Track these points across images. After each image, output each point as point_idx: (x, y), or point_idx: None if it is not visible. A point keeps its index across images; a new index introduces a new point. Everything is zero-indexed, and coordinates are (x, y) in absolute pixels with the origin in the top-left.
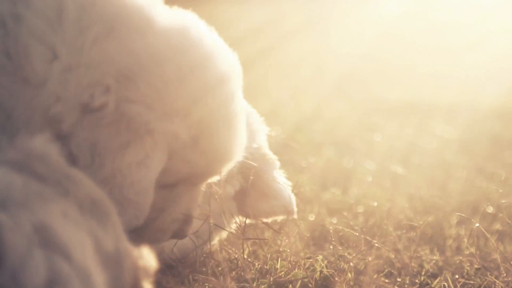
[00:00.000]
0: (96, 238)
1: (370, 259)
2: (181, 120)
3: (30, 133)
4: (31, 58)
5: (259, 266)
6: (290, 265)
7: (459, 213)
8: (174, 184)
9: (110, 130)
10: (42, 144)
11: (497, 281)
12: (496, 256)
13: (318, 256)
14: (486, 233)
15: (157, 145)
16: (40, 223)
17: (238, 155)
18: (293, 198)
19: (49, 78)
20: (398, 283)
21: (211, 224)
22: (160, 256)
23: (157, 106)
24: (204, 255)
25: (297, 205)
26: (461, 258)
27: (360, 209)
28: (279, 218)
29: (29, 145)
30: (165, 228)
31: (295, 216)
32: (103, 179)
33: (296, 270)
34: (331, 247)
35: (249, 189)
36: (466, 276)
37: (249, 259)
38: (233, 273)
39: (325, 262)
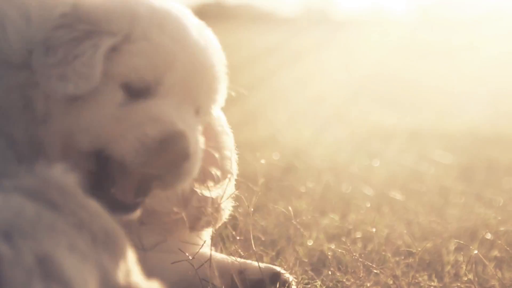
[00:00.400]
0: (105, 271)
1: (368, 285)
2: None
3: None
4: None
5: None
6: None
7: (457, 240)
8: (141, 92)
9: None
10: (61, 173)
11: None
12: (495, 282)
13: (316, 281)
14: (484, 259)
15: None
16: (43, 255)
17: (187, 64)
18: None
19: None
20: None
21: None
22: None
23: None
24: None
25: (296, 231)
26: (459, 284)
27: (359, 234)
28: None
29: (47, 173)
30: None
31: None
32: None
33: None
34: (330, 272)
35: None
36: None
37: None
38: None
39: (324, 287)
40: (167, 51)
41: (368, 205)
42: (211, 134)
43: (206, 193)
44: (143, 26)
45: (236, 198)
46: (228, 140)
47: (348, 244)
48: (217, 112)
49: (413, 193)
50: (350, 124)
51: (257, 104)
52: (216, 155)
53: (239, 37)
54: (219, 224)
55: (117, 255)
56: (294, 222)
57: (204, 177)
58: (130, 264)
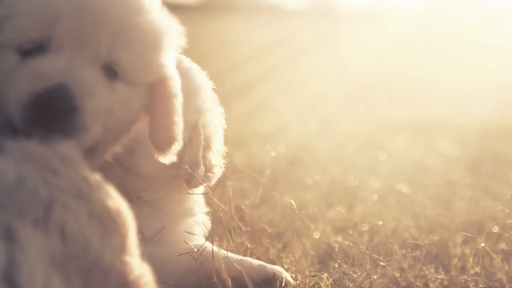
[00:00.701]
0: (85, 246)
1: (375, 277)
2: None
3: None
4: None
5: None
6: (295, 283)
7: (464, 233)
8: (33, 51)
9: None
10: (67, 147)
11: None
12: (502, 275)
13: (323, 274)
14: (491, 252)
15: None
16: (6, 226)
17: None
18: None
19: None
20: None
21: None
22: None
23: None
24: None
25: (302, 223)
26: (466, 277)
27: (365, 227)
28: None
29: (53, 145)
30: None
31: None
32: None
33: None
34: (336, 265)
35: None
36: None
37: None
38: None
39: (330, 280)
40: (50, 6)
41: (375, 197)
42: (161, 96)
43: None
44: None
45: (243, 190)
46: (177, 103)
47: (355, 237)
48: (171, 73)
49: (420, 186)
50: (357, 117)
51: (263, 97)
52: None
53: (246, 29)
54: (214, 181)
55: (110, 232)
56: (301, 215)
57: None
58: (127, 244)
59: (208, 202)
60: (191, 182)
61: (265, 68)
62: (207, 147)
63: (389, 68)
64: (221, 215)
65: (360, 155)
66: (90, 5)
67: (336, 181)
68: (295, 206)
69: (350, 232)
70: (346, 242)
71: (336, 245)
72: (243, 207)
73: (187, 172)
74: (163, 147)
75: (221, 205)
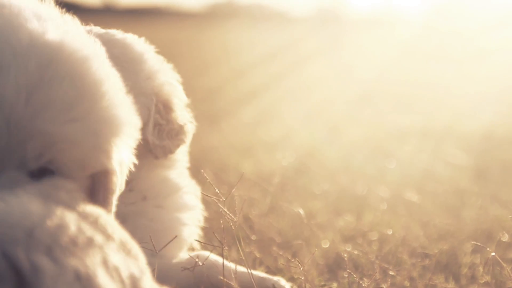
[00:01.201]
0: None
1: (384, 287)
2: None
3: None
4: None
5: None
6: None
7: (474, 242)
8: None
9: None
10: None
11: None
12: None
13: (332, 283)
14: (501, 261)
15: None
16: (83, 272)
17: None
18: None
19: None
20: None
21: (225, 250)
22: None
23: None
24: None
25: (311, 232)
26: (476, 286)
27: (374, 236)
28: None
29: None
30: None
31: None
32: None
33: None
34: (346, 274)
35: None
36: None
37: None
38: None
39: None
40: None
41: (384, 206)
42: (100, 189)
43: None
44: None
45: (250, 199)
46: (114, 199)
47: (364, 246)
48: (114, 169)
49: (428, 194)
50: (364, 124)
51: (269, 104)
52: None
53: (251, 37)
54: (189, 138)
55: (139, 263)
56: (309, 224)
57: None
58: (143, 269)
59: (217, 212)
60: (156, 154)
61: (271, 75)
62: (169, 110)
63: (395, 75)
64: (231, 224)
65: (367, 162)
66: (21, 115)
67: (344, 189)
68: (303, 215)
69: (359, 241)
70: (356, 252)
71: (345, 254)
72: (251, 216)
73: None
74: None
75: (230, 215)
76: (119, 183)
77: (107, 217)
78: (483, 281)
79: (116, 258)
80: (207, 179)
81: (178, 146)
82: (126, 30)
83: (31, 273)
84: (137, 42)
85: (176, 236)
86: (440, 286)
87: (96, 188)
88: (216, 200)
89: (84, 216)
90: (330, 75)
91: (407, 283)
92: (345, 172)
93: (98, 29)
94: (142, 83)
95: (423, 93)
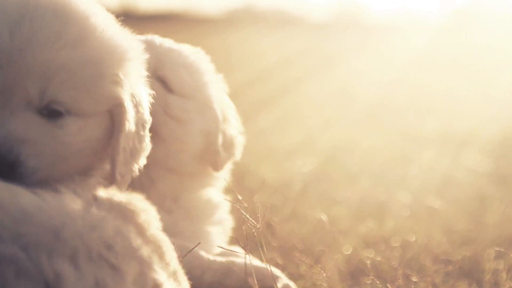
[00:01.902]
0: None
1: None
2: None
3: None
4: None
5: None
6: None
7: (497, 248)
8: None
9: None
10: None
11: None
12: None
13: None
14: None
15: None
16: (101, 281)
17: None
18: None
19: None
20: None
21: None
22: None
23: None
24: None
25: (333, 239)
26: None
27: (397, 242)
28: None
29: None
30: None
31: None
32: None
33: None
34: (369, 281)
35: None
36: None
37: None
38: None
39: None
40: None
41: (407, 213)
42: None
43: None
44: None
45: (272, 206)
46: (128, 137)
47: (387, 252)
48: (124, 101)
49: (450, 200)
50: (384, 130)
51: (288, 109)
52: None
53: (270, 42)
54: (239, 151)
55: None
56: (331, 230)
57: None
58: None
59: (240, 218)
60: (217, 164)
61: (290, 80)
62: (225, 120)
63: (415, 79)
64: (253, 230)
65: (388, 168)
66: (9, 52)
67: (366, 195)
68: (326, 221)
69: (381, 247)
70: (378, 258)
71: (368, 261)
72: (272, 223)
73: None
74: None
75: (253, 221)
76: (132, 121)
77: (161, 233)
78: (506, 287)
79: (157, 275)
80: (229, 185)
81: (228, 160)
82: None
83: (53, 280)
84: (193, 52)
85: (199, 243)
86: None
87: (116, 125)
88: (238, 207)
89: (131, 222)
90: (350, 80)
91: None
92: (366, 178)
93: (155, 38)
94: (207, 94)
95: (444, 98)
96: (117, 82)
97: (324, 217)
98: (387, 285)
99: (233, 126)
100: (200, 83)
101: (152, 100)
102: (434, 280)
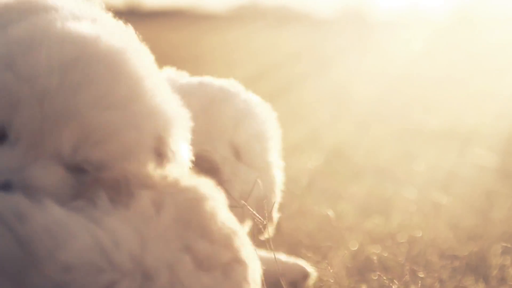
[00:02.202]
0: None
1: None
2: None
3: None
4: None
5: None
6: None
7: (503, 243)
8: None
9: None
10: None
11: None
12: None
13: (362, 285)
14: None
15: None
16: None
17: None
18: None
19: None
20: None
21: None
22: None
23: None
24: None
25: (340, 234)
26: None
27: (403, 238)
28: None
29: None
30: None
31: None
32: None
33: None
34: (374, 277)
35: None
36: None
37: None
38: None
39: None
40: (10, 90)
41: (414, 209)
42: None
43: None
44: None
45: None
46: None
47: (393, 248)
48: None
49: (456, 195)
50: (390, 125)
51: (294, 105)
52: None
53: (275, 38)
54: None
55: None
56: (337, 226)
57: None
58: None
59: (247, 214)
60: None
61: (296, 76)
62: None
63: (421, 76)
64: (260, 227)
65: (394, 164)
66: (54, 95)
67: (372, 191)
68: (332, 217)
69: (388, 243)
70: (385, 254)
71: (374, 257)
72: (279, 219)
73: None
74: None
75: (259, 217)
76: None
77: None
78: None
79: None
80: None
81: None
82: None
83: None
84: (264, 110)
85: None
86: None
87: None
88: (244, 203)
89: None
90: (355, 76)
91: (437, 285)
92: (372, 174)
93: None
94: (269, 160)
95: (449, 94)
96: (157, 149)
97: (330, 213)
98: (394, 281)
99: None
100: (265, 150)
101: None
102: (441, 275)
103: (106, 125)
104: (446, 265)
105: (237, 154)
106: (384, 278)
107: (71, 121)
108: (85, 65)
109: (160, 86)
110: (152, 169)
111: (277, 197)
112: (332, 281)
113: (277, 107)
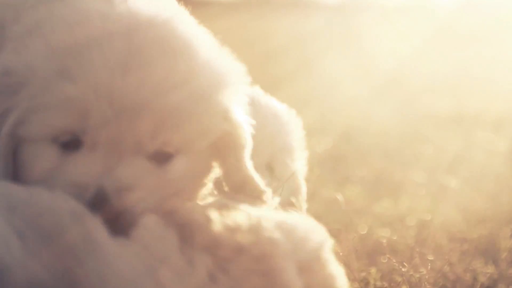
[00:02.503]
0: None
1: (424, 271)
2: None
3: None
4: None
5: None
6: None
7: None
8: (71, 143)
9: None
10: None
11: None
12: None
13: (371, 269)
14: None
15: None
16: None
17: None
18: None
19: None
20: None
21: None
22: None
23: None
24: None
25: (349, 217)
26: None
27: (412, 221)
28: None
29: None
30: None
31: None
32: None
33: (350, 283)
34: (384, 260)
35: None
36: None
37: None
38: None
39: (379, 275)
40: (77, 99)
41: (421, 191)
42: (229, 150)
43: None
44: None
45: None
46: (246, 154)
47: (403, 231)
48: (237, 124)
49: (465, 178)
50: (399, 108)
51: (302, 90)
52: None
53: (283, 22)
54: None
55: None
56: (346, 210)
57: None
58: None
59: None
60: None
61: (303, 60)
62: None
63: (429, 60)
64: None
65: (403, 148)
66: (121, 94)
67: (381, 174)
68: (341, 201)
69: (397, 227)
70: (394, 238)
71: (384, 240)
72: None
73: None
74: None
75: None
76: (239, 149)
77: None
78: None
79: None
80: None
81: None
82: None
83: None
84: (293, 122)
85: None
86: (479, 271)
87: (226, 151)
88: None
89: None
90: (364, 60)
91: (446, 268)
92: (381, 157)
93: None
94: (296, 169)
95: (458, 76)
96: (225, 115)
97: (339, 197)
98: (404, 263)
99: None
100: (294, 161)
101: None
102: (450, 258)
103: (177, 104)
104: (455, 248)
105: (271, 169)
106: (394, 261)
107: (143, 112)
108: (141, 53)
109: (210, 45)
110: (214, 213)
111: (303, 202)
112: (342, 264)
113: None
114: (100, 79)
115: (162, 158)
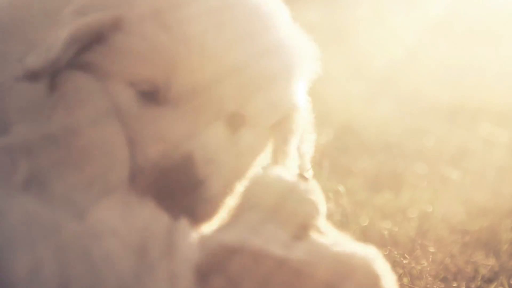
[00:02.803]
0: None
1: (426, 263)
2: None
3: None
4: None
5: None
6: None
7: None
8: (151, 95)
9: None
10: None
11: None
12: None
13: None
14: None
15: None
16: None
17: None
18: None
19: None
20: None
21: None
22: None
23: None
24: None
25: (350, 209)
26: None
27: (414, 213)
28: None
29: None
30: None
31: None
32: None
33: None
34: (385, 252)
35: None
36: None
37: None
38: None
39: None
40: (167, 51)
41: (424, 184)
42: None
43: None
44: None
45: None
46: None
47: (403, 223)
48: (297, 107)
49: (466, 171)
50: (400, 99)
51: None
52: None
53: (289, 10)
54: None
55: None
56: (349, 202)
57: None
58: None
59: None
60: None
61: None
62: None
63: (431, 51)
64: None
65: (404, 139)
66: (213, 53)
67: (382, 166)
68: (342, 193)
69: (398, 218)
70: (396, 229)
71: (385, 232)
72: None
73: None
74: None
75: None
76: (301, 125)
77: None
78: None
79: None
80: None
81: None
82: None
83: None
84: None
85: None
86: (480, 263)
87: (277, 133)
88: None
89: None
90: (364, 51)
91: (447, 260)
92: (382, 149)
93: None
94: None
95: (460, 68)
96: (295, 90)
97: (340, 189)
98: (405, 255)
99: None
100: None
101: None
102: (452, 250)
103: (264, 71)
104: (457, 240)
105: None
106: (395, 253)
107: (232, 76)
108: (235, 15)
109: (289, 22)
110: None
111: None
112: None
113: None
114: (194, 34)
115: (235, 123)
